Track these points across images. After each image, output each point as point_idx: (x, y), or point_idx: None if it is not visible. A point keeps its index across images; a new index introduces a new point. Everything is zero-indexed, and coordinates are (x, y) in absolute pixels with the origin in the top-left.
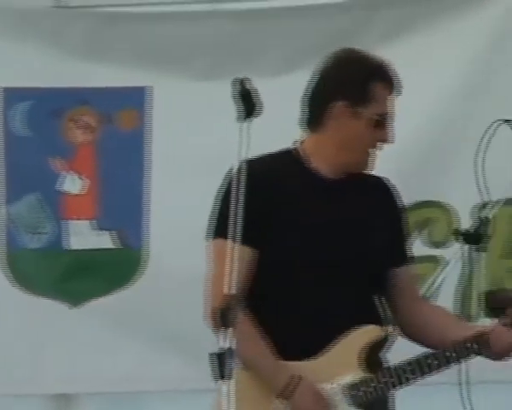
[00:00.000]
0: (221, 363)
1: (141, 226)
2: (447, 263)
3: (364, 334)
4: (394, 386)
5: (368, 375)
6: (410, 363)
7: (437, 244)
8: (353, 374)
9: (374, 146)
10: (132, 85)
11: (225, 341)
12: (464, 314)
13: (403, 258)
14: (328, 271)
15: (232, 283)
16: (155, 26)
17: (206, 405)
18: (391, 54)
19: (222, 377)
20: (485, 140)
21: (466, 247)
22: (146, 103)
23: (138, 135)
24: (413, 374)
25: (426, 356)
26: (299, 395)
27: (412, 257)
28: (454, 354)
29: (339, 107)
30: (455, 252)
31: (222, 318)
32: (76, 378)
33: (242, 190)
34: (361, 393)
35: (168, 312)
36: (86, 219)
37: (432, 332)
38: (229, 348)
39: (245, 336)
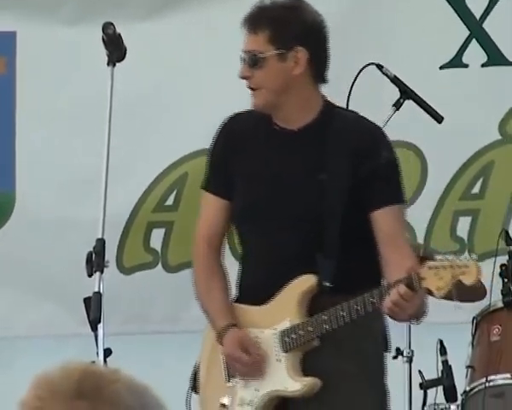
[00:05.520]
0: (88, 307)
1: (7, 170)
2: None
3: (303, 282)
4: (315, 335)
5: (299, 322)
6: (324, 313)
7: None
8: (291, 321)
9: None
10: None
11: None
12: None
13: (377, 200)
14: (276, 222)
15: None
16: None
17: (74, 349)
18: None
19: (91, 320)
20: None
21: None
22: (12, 49)
23: (5, 80)
24: (329, 325)
25: (340, 308)
26: (226, 341)
27: (394, 198)
28: (361, 307)
29: None
30: None
31: (87, 262)
32: None
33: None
34: (290, 339)
35: (36, 257)
36: None
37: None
38: (97, 293)
39: (202, 279)
